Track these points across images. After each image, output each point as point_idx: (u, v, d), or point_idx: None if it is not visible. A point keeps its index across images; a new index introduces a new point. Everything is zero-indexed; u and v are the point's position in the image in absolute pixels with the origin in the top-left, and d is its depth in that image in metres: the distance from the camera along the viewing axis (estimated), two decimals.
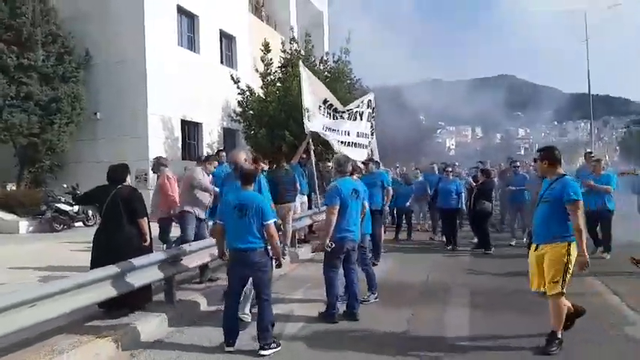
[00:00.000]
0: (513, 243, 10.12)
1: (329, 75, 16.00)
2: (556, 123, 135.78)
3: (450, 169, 10.73)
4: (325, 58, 16.66)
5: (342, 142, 9.80)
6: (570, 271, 4.19)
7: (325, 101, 9.67)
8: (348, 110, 10.08)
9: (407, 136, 26.58)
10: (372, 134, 10.80)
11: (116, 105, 14.79)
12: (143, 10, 14.63)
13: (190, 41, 17.29)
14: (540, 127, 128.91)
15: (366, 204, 5.77)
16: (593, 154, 9.97)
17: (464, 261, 8.79)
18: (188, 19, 17.17)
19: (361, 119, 10.18)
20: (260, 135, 14.71)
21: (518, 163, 11.50)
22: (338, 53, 16.31)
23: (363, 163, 8.63)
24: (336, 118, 9.87)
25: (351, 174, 5.74)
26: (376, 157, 10.36)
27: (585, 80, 30.92)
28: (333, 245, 5.14)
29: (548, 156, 4.42)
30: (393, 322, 5.16)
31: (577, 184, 4.41)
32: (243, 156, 5.25)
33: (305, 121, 9.52)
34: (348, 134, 10.00)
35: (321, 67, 16.22)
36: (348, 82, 16.03)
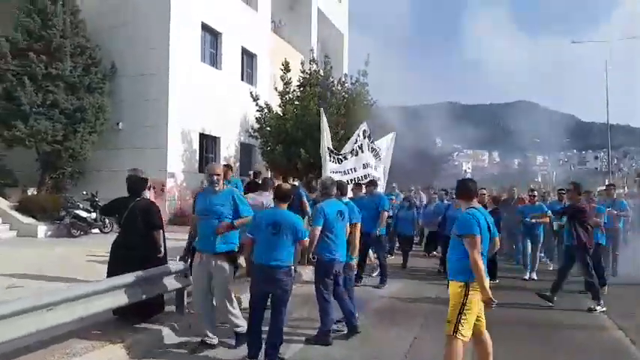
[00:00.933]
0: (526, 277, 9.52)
1: (346, 96, 16.27)
2: (575, 151, 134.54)
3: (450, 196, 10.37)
4: (343, 80, 16.94)
5: (350, 180, 9.85)
6: (467, 315, 3.83)
7: (329, 150, 9.78)
8: (349, 152, 10.16)
9: (422, 159, 26.63)
10: (376, 160, 10.84)
11: (138, 116, 15.19)
12: (169, 26, 15.10)
13: (212, 58, 17.73)
14: (559, 155, 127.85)
15: (358, 225, 5.87)
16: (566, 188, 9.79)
17: None
18: (211, 36, 17.63)
19: (362, 152, 10.23)
20: (276, 151, 14.93)
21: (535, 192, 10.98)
22: (356, 75, 16.60)
23: (365, 185, 8.77)
24: (340, 162, 9.88)
25: (341, 195, 5.93)
26: (382, 182, 10.50)
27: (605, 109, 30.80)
28: (316, 258, 5.27)
29: (459, 188, 4.28)
30: (394, 345, 5.22)
31: (470, 217, 3.97)
32: (220, 168, 5.18)
33: (326, 162, 9.53)
34: (355, 170, 10.03)
35: (339, 88, 16.50)
36: (365, 103, 16.21)
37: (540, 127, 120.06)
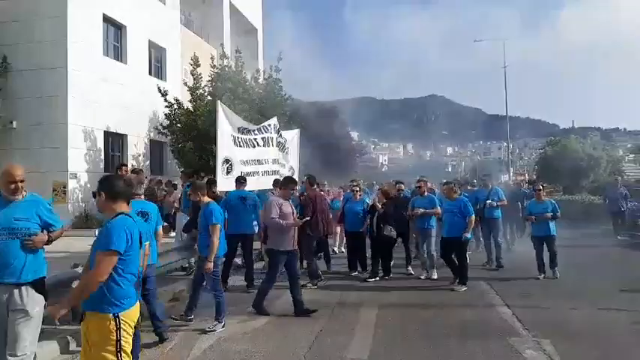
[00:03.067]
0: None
1: (260, 92, 16.22)
2: (481, 142, 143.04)
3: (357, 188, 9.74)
4: (256, 75, 16.89)
5: (264, 172, 9.75)
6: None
7: (239, 129, 9.53)
8: (260, 128, 10.08)
9: (336, 153, 27.10)
10: (284, 154, 10.91)
11: (34, 114, 14.16)
12: (66, 17, 14.20)
13: (117, 51, 16.91)
14: (467, 146, 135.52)
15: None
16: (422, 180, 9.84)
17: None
18: (115, 28, 16.80)
19: (271, 146, 10.25)
20: (187, 148, 14.59)
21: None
22: (269, 71, 16.58)
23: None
24: (252, 146, 9.73)
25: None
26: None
27: (515, 102, 33.22)
28: None
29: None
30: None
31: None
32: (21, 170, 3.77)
33: (220, 176, 8.78)
34: (265, 162, 10.00)
35: (253, 84, 16.41)
36: (278, 98, 16.24)
37: (450, 120, 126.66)
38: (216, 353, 5.02)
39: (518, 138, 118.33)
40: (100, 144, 15.69)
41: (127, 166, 8.91)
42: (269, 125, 10.23)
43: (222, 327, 5.72)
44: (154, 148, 18.38)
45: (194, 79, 15.48)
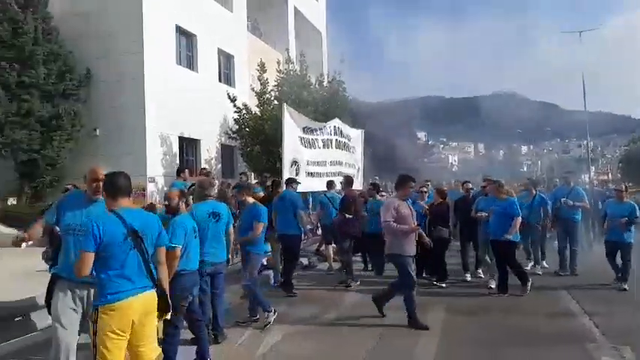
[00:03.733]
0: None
1: (325, 94, 16.43)
2: (558, 140, 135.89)
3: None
4: (321, 78, 17.12)
5: (328, 174, 9.83)
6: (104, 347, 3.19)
7: (304, 129, 9.70)
8: (322, 128, 10.21)
9: (404, 153, 26.83)
10: (350, 153, 10.97)
11: (115, 122, 15.12)
12: (142, 30, 15.04)
13: (189, 60, 17.70)
14: (543, 144, 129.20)
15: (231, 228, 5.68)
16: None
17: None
18: (187, 38, 17.60)
19: (332, 147, 10.35)
20: (255, 152, 15.02)
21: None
22: (333, 74, 16.77)
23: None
24: (314, 147, 9.88)
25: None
26: (357, 179, 10.67)
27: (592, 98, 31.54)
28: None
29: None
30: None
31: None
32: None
33: (286, 174, 8.96)
34: (327, 164, 10.11)
35: (317, 87, 16.65)
36: (340, 102, 16.36)
37: (524, 118, 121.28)
38: (283, 350, 5.15)
39: (599, 135, 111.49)
40: (176, 149, 16.47)
41: (184, 172, 9.30)
42: (330, 127, 10.37)
43: (274, 314, 5.89)
44: (225, 152, 19.03)
45: (261, 85, 15.92)
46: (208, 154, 18.03)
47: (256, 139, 15.28)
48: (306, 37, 28.61)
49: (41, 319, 4.95)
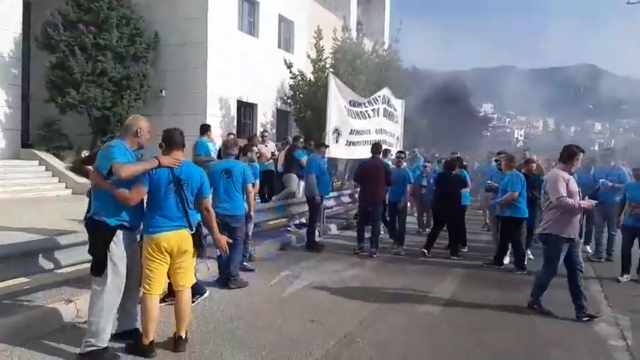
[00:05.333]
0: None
1: (379, 62, 16.61)
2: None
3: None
4: (377, 47, 17.25)
5: (368, 142, 10.16)
6: (147, 267, 3.99)
7: (350, 102, 10.08)
8: (370, 100, 10.54)
9: (463, 125, 26.46)
10: (393, 122, 11.27)
11: (179, 84, 16.13)
12: None
13: (250, 26, 18.34)
14: (620, 122, 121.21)
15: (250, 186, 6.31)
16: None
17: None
18: (249, 4, 18.18)
19: (378, 116, 10.65)
20: (307, 117, 15.57)
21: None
22: (389, 41, 16.87)
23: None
24: (362, 118, 10.28)
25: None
26: (395, 147, 11.00)
27: None
28: None
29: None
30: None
31: None
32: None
33: (331, 142, 9.50)
34: (370, 132, 10.49)
35: (373, 56, 16.84)
36: (395, 69, 16.51)
37: (602, 92, 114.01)
38: (304, 295, 5.79)
39: None
40: (234, 112, 17.34)
41: (210, 130, 10.02)
42: (379, 97, 10.70)
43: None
44: (281, 117, 19.73)
45: (317, 52, 16.32)
46: (264, 118, 18.79)
47: (309, 106, 15.79)
48: (368, 2, 28.45)
49: None
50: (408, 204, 9.69)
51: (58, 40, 14.36)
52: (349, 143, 9.83)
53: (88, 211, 4.24)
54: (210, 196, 4.86)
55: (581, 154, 5.48)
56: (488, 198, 9.68)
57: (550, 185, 5.35)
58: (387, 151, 10.29)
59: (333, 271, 7.13)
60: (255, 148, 7.61)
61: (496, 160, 8.82)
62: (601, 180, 8.53)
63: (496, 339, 4.66)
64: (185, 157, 4.19)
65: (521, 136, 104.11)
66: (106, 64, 14.82)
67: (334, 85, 9.68)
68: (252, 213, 6.52)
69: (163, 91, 16.42)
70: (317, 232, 9.24)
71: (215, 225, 4.42)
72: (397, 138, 11.71)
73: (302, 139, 10.66)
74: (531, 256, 8.08)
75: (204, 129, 9.74)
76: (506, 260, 7.91)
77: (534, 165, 8.39)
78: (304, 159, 9.62)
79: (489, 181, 8.56)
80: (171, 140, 4.16)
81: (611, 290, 6.56)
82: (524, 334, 4.86)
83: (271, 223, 9.68)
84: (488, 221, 10.62)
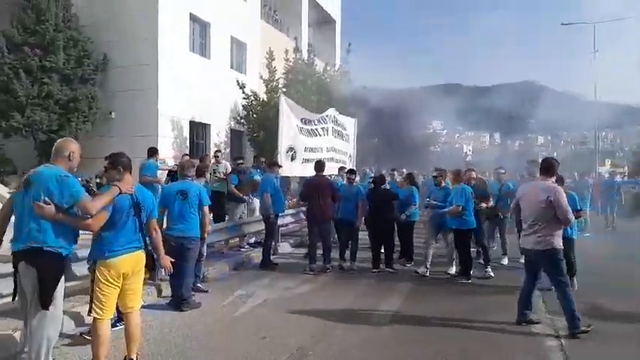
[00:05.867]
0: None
1: (329, 81, 17.06)
2: (585, 132, 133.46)
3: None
4: (327, 68, 17.73)
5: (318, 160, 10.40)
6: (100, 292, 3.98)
7: (302, 120, 10.38)
8: (320, 118, 10.86)
9: (411, 142, 27.25)
10: (343, 141, 11.62)
11: (130, 106, 15.93)
12: (157, 19, 15.75)
13: (202, 47, 18.39)
14: (561, 135, 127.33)
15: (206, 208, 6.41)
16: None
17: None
18: (200, 26, 18.27)
19: (329, 135, 10.99)
20: (260, 137, 15.74)
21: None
22: (339, 63, 17.37)
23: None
24: (313, 135, 10.58)
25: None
26: (348, 165, 11.36)
27: (616, 89, 31.69)
28: None
29: None
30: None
31: None
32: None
33: (282, 159, 9.70)
34: (323, 150, 10.80)
35: (324, 77, 17.28)
36: (346, 89, 16.99)
37: (542, 108, 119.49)
38: (258, 313, 5.90)
39: (618, 126, 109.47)
40: (186, 133, 17.26)
41: (158, 153, 10.17)
42: (327, 116, 11.03)
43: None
44: (234, 136, 19.77)
45: (269, 73, 16.59)
46: (218, 138, 18.79)
47: (262, 125, 15.97)
48: (320, 25, 29.11)
49: None
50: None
51: (2, 63, 13.98)
52: (304, 161, 10.09)
53: (19, 240, 3.76)
54: (164, 217, 4.98)
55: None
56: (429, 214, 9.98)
57: (558, 201, 5.27)
58: (342, 169, 10.61)
59: (285, 288, 7.27)
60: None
61: (434, 176, 9.06)
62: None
63: (453, 348, 4.90)
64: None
65: (469, 150, 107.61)
66: (52, 86, 14.50)
67: (285, 105, 9.95)
68: (206, 235, 6.58)
69: (113, 113, 16.18)
70: (272, 251, 9.36)
71: (161, 246, 4.54)
72: (350, 156, 12.05)
73: (262, 160, 10.85)
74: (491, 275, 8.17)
75: (152, 152, 9.80)
76: (452, 270, 8.29)
77: (472, 177, 8.70)
78: (257, 178, 9.82)
79: (428, 199, 8.86)
80: (125, 164, 4.26)
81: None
82: (471, 341, 5.14)
83: (225, 243, 9.74)
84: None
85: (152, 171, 9.31)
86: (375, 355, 4.73)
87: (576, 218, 6.51)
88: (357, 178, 10.38)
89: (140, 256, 4.21)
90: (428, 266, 8.23)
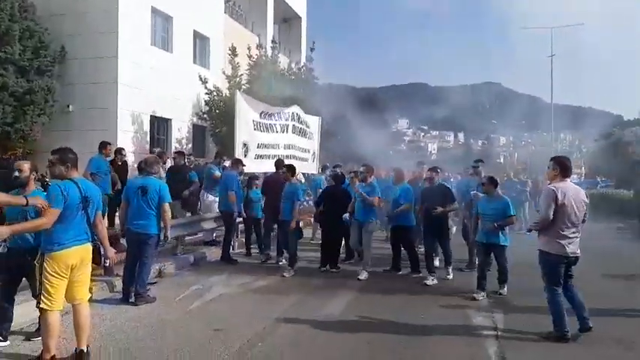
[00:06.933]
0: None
1: (296, 79, 17.14)
2: (545, 133, 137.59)
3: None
4: (292, 65, 17.81)
5: (275, 156, 10.47)
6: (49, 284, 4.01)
7: (261, 114, 10.42)
8: (280, 113, 10.93)
9: (376, 140, 27.54)
10: (307, 139, 11.75)
11: (88, 99, 15.61)
12: (117, 10, 15.48)
13: (164, 41, 18.16)
14: (522, 136, 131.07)
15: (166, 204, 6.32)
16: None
17: None
18: (162, 19, 18.04)
19: (288, 132, 11.08)
20: (223, 133, 15.70)
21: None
22: (304, 61, 17.47)
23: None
24: (271, 131, 10.62)
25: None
26: (310, 162, 11.47)
27: (575, 91, 33.08)
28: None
29: None
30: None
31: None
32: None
33: (240, 156, 9.79)
34: (280, 147, 10.88)
35: (288, 74, 17.35)
36: (310, 86, 17.09)
37: (505, 109, 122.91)
38: (211, 306, 5.97)
39: (579, 129, 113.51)
40: (147, 127, 17.03)
41: (107, 147, 9.87)
42: (288, 113, 11.11)
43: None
44: (197, 132, 19.62)
45: (232, 68, 16.54)
46: (180, 133, 18.62)
47: (225, 121, 15.92)
48: (285, 21, 29.15)
49: None
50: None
51: None
52: (257, 157, 10.15)
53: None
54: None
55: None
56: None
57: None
58: (325, 168, 10.80)
59: (242, 283, 7.36)
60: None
61: (360, 172, 8.52)
62: (472, 192, 8.43)
63: (396, 340, 5.10)
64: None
65: (434, 149, 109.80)
66: (7, 78, 14.06)
67: (242, 101, 10.02)
68: (168, 233, 6.48)
69: (71, 106, 15.83)
70: (231, 246, 9.42)
71: (107, 238, 4.64)
72: (313, 153, 12.17)
73: (224, 158, 10.82)
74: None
75: (102, 146, 9.60)
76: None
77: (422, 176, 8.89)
78: (217, 173, 9.86)
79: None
80: (74, 161, 4.33)
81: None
82: (411, 330, 5.35)
83: (186, 239, 9.74)
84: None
85: (97, 166, 9.08)
86: (326, 346, 4.88)
87: (507, 225, 6.72)
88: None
89: (88, 248, 4.29)
90: (368, 270, 8.00)
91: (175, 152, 11.49)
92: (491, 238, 6.75)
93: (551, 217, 4.92)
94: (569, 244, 4.96)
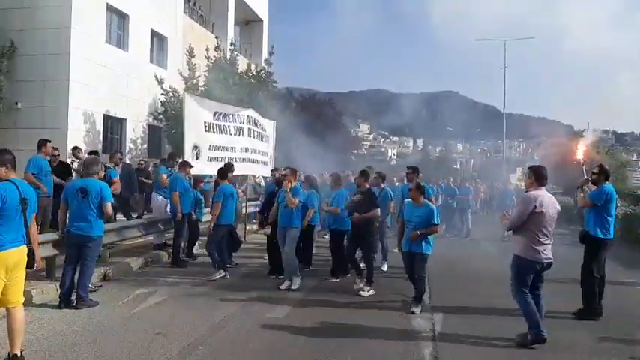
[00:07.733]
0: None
1: (252, 81, 17.14)
2: (498, 140, 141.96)
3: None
4: (252, 68, 17.82)
5: (230, 159, 10.44)
6: None
7: (215, 114, 10.33)
8: (234, 115, 10.89)
9: (333, 144, 27.82)
10: (263, 142, 11.82)
11: (39, 96, 15.17)
12: (71, 6, 15.12)
13: (119, 39, 17.84)
14: (479, 144, 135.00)
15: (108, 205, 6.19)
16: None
17: None
18: (118, 17, 17.71)
19: (243, 135, 11.08)
20: (178, 134, 15.51)
21: None
22: (262, 64, 17.51)
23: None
24: (224, 133, 10.52)
25: None
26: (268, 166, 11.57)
27: (526, 101, 34.43)
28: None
29: None
30: None
31: None
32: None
33: (187, 158, 9.51)
34: (235, 150, 10.85)
35: (246, 76, 17.34)
36: (269, 90, 17.14)
37: (463, 117, 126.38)
38: (155, 309, 5.95)
39: (533, 137, 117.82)
40: (100, 127, 16.66)
41: (46, 145, 9.32)
42: (243, 116, 11.10)
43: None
44: (152, 132, 19.33)
45: (189, 69, 16.41)
46: (134, 133, 18.30)
47: (181, 122, 15.72)
48: (247, 23, 29.08)
49: None
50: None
51: None
52: (210, 159, 10.10)
53: None
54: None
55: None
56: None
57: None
58: (275, 170, 10.91)
59: (189, 286, 7.33)
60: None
61: (283, 175, 8.37)
62: (407, 200, 8.11)
63: (338, 342, 5.23)
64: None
65: (394, 155, 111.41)
66: None
67: (191, 103, 9.94)
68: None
69: (19, 103, 15.32)
70: (181, 249, 9.34)
71: (37, 241, 4.69)
72: (270, 156, 12.22)
73: (178, 160, 10.58)
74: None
75: (40, 144, 9.00)
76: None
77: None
78: (164, 176, 9.80)
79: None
80: (12, 162, 4.29)
81: (435, 286, 7.56)
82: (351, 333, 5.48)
83: (134, 241, 9.60)
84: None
85: (37, 167, 8.46)
86: (266, 347, 4.95)
87: (431, 233, 6.46)
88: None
89: (24, 250, 4.24)
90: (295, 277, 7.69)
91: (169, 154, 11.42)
92: (413, 246, 6.46)
93: (520, 223, 5.13)
94: (544, 250, 5.15)
